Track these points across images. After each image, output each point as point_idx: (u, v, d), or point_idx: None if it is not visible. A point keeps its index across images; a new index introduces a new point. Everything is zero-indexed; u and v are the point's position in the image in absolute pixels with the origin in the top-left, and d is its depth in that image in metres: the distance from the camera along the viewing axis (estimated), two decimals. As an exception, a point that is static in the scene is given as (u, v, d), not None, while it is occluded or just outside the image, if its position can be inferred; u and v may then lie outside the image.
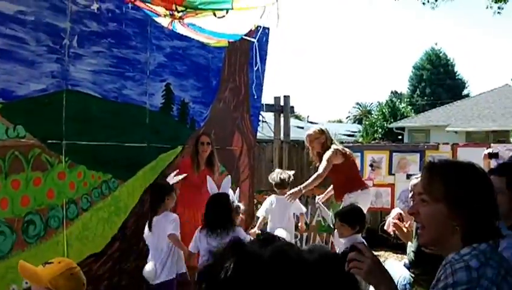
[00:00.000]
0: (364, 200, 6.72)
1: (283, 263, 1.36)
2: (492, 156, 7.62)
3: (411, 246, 5.13)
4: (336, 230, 5.92)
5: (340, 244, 5.95)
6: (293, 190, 6.76)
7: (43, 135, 5.29)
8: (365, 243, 5.36)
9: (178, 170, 6.58)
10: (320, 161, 6.95)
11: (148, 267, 5.71)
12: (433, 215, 2.20)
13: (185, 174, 6.28)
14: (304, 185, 6.78)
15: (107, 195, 5.99)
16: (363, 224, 5.51)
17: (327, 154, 6.79)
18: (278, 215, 6.95)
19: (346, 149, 7.13)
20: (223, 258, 1.39)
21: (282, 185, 7.05)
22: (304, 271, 1.33)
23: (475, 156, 8.90)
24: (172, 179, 6.13)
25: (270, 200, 7.12)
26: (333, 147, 6.88)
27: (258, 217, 7.25)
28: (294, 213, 7.13)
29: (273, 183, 7.15)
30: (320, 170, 6.76)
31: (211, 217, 5.60)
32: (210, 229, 5.50)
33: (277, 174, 7.19)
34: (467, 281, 1.95)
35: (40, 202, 5.25)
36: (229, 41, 6.63)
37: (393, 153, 9.54)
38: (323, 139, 6.99)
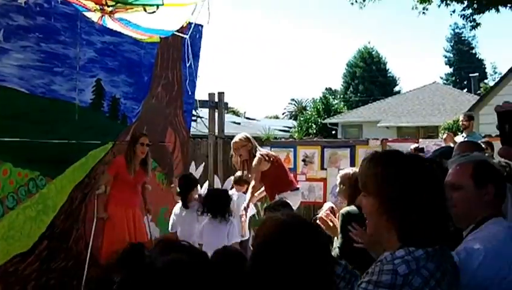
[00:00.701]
0: (293, 201, 6.77)
1: (175, 275, 1.41)
2: (418, 151, 7.83)
3: (336, 241, 5.21)
4: None
5: None
6: (242, 212, 6.89)
7: (-33, 131, 5.13)
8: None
9: (111, 168, 6.54)
10: (247, 168, 7.16)
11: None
12: (368, 208, 2.10)
13: None
14: (245, 203, 6.91)
15: (34, 193, 5.84)
16: None
17: (253, 168, 6.96)
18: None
19: (271, 153, 7.20)
20: (117, 267, 1.43)
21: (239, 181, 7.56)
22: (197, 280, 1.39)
23: (403, 151, 9.18)
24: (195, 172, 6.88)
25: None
26: (257, 155, 6.95)
27: None
28: None
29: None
30: (253, 183, 6.96)
31: (212, 207, 6.28)
32: (212, 216, 6.21)
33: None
34: (389, 285, 1.89)
35: (-36, 200, 5.09)
36: (160, 37, 6.58)
37: (325, 149, 9.70)
38: (249, 146, 7.06)
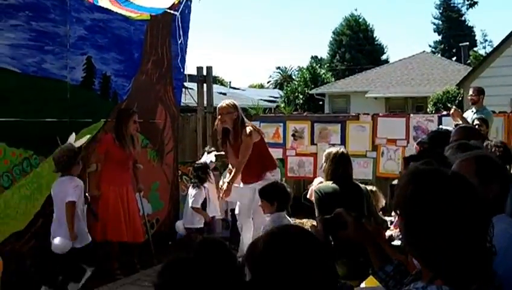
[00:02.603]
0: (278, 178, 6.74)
1: None
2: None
3: None
4: None
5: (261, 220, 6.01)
6: (224, 187, 6.64)
7: (-40, 112, 5.15)
8: (289, 220, 5.52)
9: (100, 146, 6.56)
10: (225, 137, 6.79)
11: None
12: (399, 227, 1.93)
13: None
14: (230, 178, 6.65)
15: (28, 172, 5.89)
16: (283, 200, 5.42)
17: (245, 140, 6.50)
18: None
19: (255, 126, 6.92)
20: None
21: None
22: None
23: (395, 126, 9.24)
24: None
25: None
26: (249, 127, 6.56)
27: None
28: None
29: None
30: (241, 157, 6.56)
31: None
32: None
33: None
34: None
35: (-41, 181, 5.13)
36: (151, 15, 6.57)
37: (315, 124, 9.73)
38: (235, 115, 6.59)
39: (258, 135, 6.66)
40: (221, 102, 6.92)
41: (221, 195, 6.77)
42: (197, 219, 7.38)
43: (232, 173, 6.68)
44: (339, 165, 5.26)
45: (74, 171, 5.76)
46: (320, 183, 6.66)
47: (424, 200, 1.72)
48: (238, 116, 6.60)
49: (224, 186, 6.64)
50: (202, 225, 7.41)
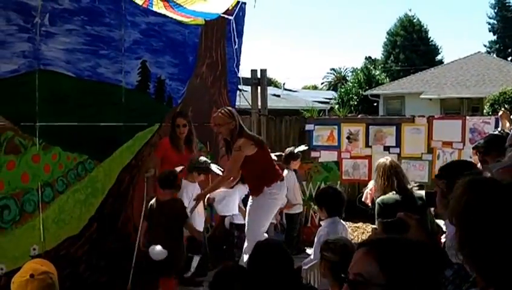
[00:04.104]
0: (283, 193, 6.36)
1: None
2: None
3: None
4: None
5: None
6: (197, 194, 6.34)
7: (16, 117, 5.17)
8: (344, 225, 5.35)
9: (158, 150, 6.53)
10: (227, 148, 6.36)
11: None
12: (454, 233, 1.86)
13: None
14: (208, 188, 6.48)
15: (83, 176, 5.88)
16: (333, 205, 5.12)
17: (236, 151, 6.00)
18: None
19: (258, 137, 6.49)
20: None
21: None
22: None
23: (451, 128, 9.01)
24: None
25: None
26: (243, 139, 6.02)
27: None
28: None
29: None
30: (226, 171, 6.29)
31: None
32: None
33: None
34: None
35: (14, 186, 5.15)
36: (205, 20, 6.51)
37: (370, 126, 9.56)
38: (232, 125, 6.06)
39: (254, 148, 6.04)
40: (217, 112, 6.40)
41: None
42: (235, 215, 7.24)
43: (210, 185, 6.53)
44: (401, 176, 5.10)
45: (190, 177, 6.53)
46: (375, 185, 6.51)
47: (479, 210, 1.72)
48: (236, 126, 6.10)
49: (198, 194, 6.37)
50: (242, 222, 6.91)
